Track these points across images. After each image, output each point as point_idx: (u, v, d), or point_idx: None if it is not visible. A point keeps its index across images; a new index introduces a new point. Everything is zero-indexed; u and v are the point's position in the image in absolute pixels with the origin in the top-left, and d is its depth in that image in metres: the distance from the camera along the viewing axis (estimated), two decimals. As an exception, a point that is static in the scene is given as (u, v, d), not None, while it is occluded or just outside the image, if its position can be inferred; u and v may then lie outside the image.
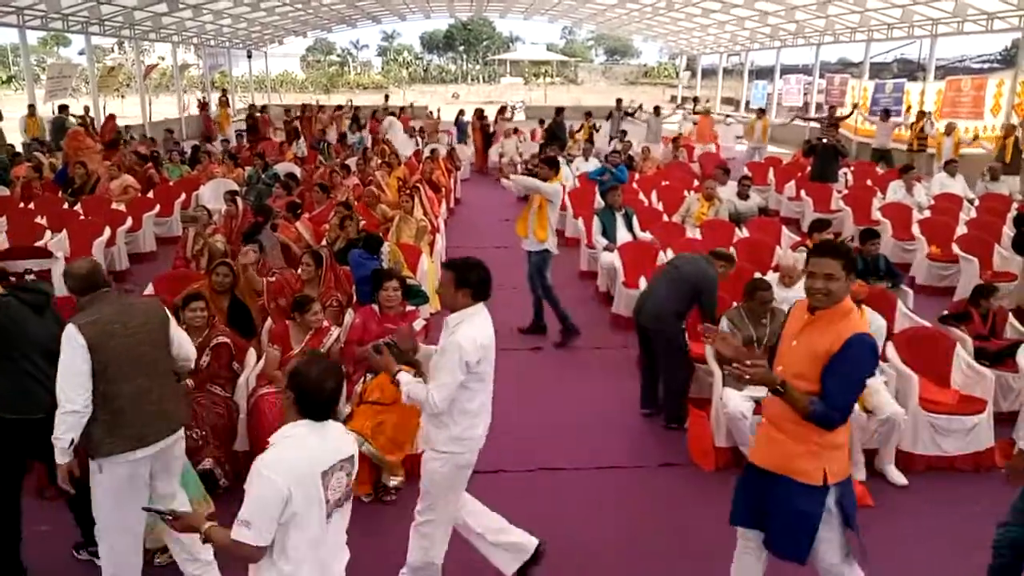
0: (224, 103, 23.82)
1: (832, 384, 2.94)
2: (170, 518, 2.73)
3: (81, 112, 18.24)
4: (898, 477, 4.84)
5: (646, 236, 8.49)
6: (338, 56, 67.26)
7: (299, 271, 5.98)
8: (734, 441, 5.01)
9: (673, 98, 38.35)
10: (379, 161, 12.54)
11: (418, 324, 5.20)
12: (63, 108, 18.27)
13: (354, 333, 5.00)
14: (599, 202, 9.97)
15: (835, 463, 3.03)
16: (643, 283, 6.94)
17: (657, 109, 19.84)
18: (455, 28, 67.36)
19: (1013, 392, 5.52)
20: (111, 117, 19.20)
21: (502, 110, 20.39)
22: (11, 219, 9.08)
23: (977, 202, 10.85)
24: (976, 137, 14.88)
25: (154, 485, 3.47)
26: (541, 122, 19.27)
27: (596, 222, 8.56)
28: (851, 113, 17.83)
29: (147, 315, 3.45)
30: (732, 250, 7.04)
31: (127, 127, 19.68)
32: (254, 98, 33.68)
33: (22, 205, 9.97)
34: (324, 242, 7.66)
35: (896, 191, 10.88)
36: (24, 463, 3.84)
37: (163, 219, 10.74)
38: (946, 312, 6.49)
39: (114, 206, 10.06)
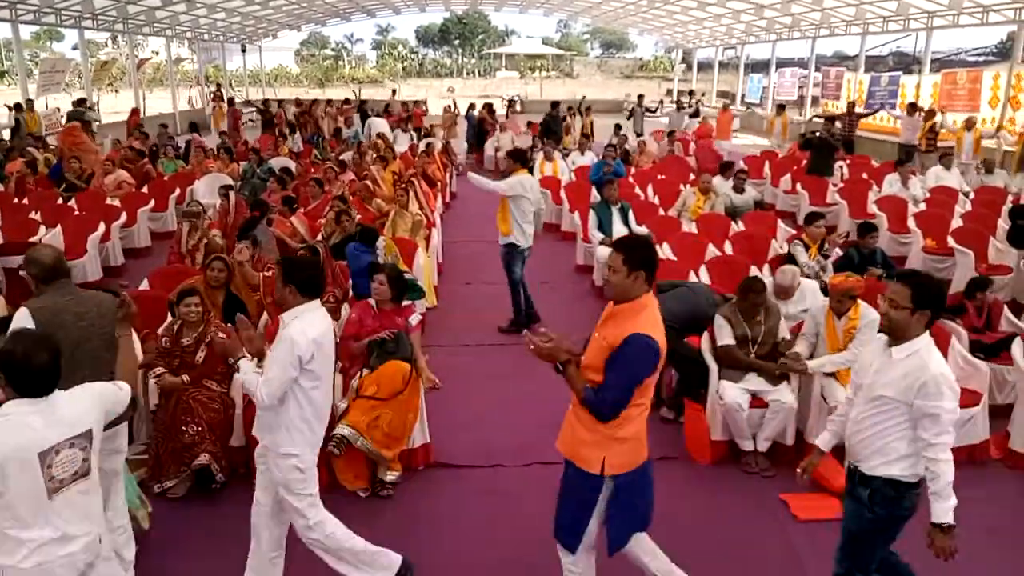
0: (218, 98, 23.74)
1: (608, 378, 2.99)
2: None
3: (69, 108, 18.19)
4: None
5: (642, 230, 8.47)
6: (332, 50, 67.07)
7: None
8: (730, 434, 5.02)
9: (669, 92, 38.30)
10: (374, 155, 12.50)
11: (414, 319, 5.19)
12: (80, 101, 18.54)
13: (350, 328, 4.99)
14: (595, 196, 9.96)
15: (617, 456, 3.05)
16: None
17: (679, 104, 19.75)
18: (450, 22, 67.19)
19: (1008, 385, 5.54)
20: (135, 111, 19.73)
21: (511, 104, 20.36)
22: (5, 215, 9.04)
23: (972, 195, 10.87)
24: (1000, 128, 14.34)
25: None
26: (529, 124, 19.12)
27: (592, 216, 8.55)
28: (876, 111, 17.35)
29: (100, 309, 3.45)
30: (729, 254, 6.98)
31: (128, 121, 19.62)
32: (248, 93, 33.60)
33: (16, 200, 9.93)
34: (320, 237, 7.65)
35: (892, 184, 10.89)
36: None
37: (158, 214, 10.70)
38: (942, 305, 6.49)
39: (109, 201, 10.02)
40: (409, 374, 4.64)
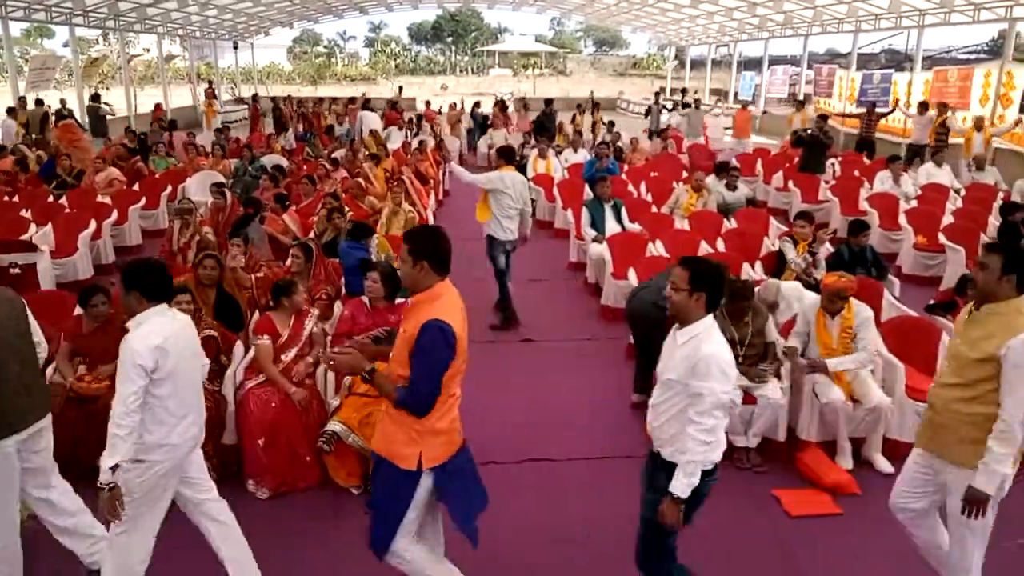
0: (211, 95, 23.64)
1: (413, 371, 2.97)
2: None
3: (58, 105, 18.12)
4: (884, 465, 4.88)
5: (635, 227, 8.50)
6: (325, 47, 66.88)
7: (287, 263, 5.95)
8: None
9: (662, 89, 38.33)
10: (366, 153, 12.49)
11: (407, 316, 5.18)
12: (96, 97, 18.82)
13: (343, 325, 4.98)
14: (588, 193, 9.97)
15: (433, 449, 3.05)
16: (632, 275, 6.96)
17: (697, 102, 19.65)
18: (443, 19, 67.09)
19: (998, 380, 5.56)
20: (159, 107, 20.30)
21: (502, 103, 20.41)
22: (-5, 213, 8.99)
23: (963, 192, 10.92)
24: (1020, 122, 13.92)
25: (24, 479, 3.49)
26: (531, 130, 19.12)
27: (585, 213, 8.56)
28: (893, 110, 16.69)
29: (11, 303, 3.48)
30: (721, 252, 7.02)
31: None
32: (240, 90, 33.47)
33: (6, 198, 9.87)
34: (312, 234, 7.64)
35: (883, 181, 10.92)
36: None
37: (149, 212, 10.66)
38: (932, 301, 6.54)
39: (100, 199, 9.98)
40: (402, 371, 4.63)
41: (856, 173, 12.52)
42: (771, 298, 5.71)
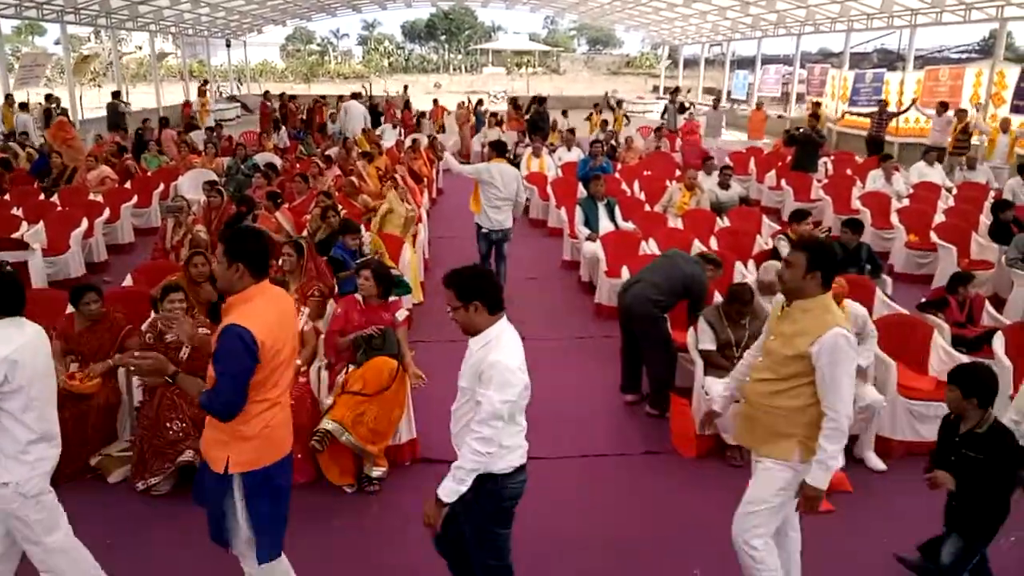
0: (204, 93, 23.56)
1: (215, 375, 2.91)
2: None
3: (48, 101, 18.06)
4: (877, 463, 4.90)
5: (628, 226, 8.51)
6: (318, 45, 66.67)
7: (279, 261, 5.94)
8: (715, 429, 5.04)
9: (655, 88, 38.40)
10: (359, 151, 12.47)
11: (401, 315, 5.18)
12: (116, 94, 18.93)
13: (336, 323, 4.98)
14: (581, 192, 9.98)
15: (242, 454, 2.98)
16: (625, 272, 6.97)
17: (716, 101, 19.53)
18: (436, 17, 66.92)
19: (989, 378, 5.59)
20: (187, 104, 20.64)
21: (535, 100, 20.39)
22: (-14, 211, 8.95)
23: (955, 191, 10.97)
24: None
25: None
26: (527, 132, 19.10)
27: (578, 212, 8.57)
28: (908, 109, 16.22)
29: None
30: (715, 250, 7.09)
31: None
32: (232, 88, 33.36)
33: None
34: (305, 232, 7.62)
35: (875, 180, 10.96)
36: None
37: (141, 210, 10.62)
38: (924, 299, 6.56)
39: (91, 197, 9.94)
40: (395, 370, 4.63)
41: (848, 172, 12.57)
42: (771, 279, 5.73)
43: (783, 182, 11.99)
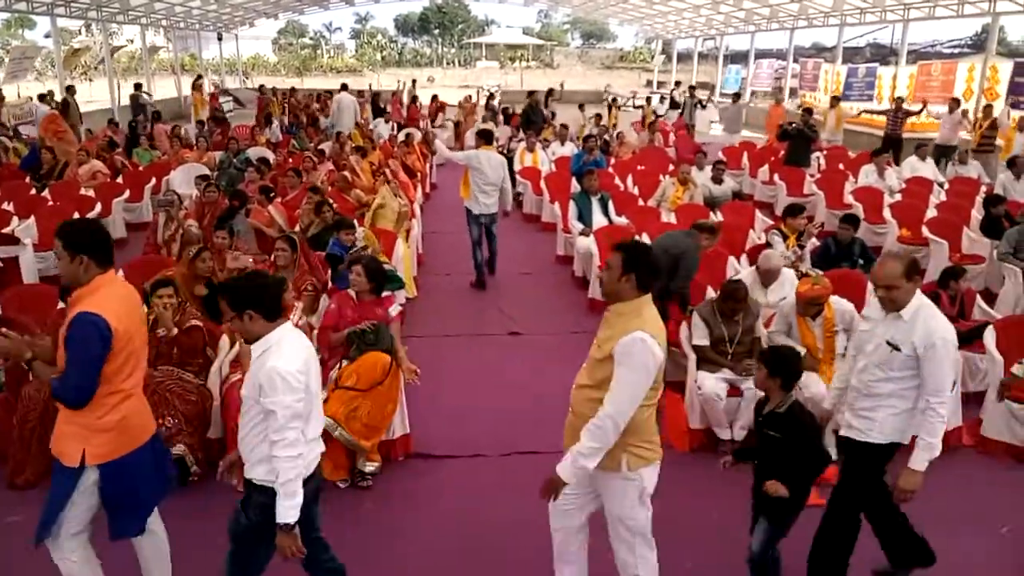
0: (198, 87, 23.40)
1: (66, 362, 2.90)
2: None
3: (42, 94, 17.99)
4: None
5: (622, 220, 8.52)
6: (311, 39, 66.45)
7: (273, 256, 5.93)
8: (708, 422, 5.06)
9: (649, 83, 38.36)
10: (352, 145, 12.43)
11: (394, 310, 5.17)
12: (138, 86, 19.77)
13: (329, 319, 4.97)
14: (575, 186, 9.98)
15: (100, 446, 2.98)
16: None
17: (737, 96, 19.30)
18: (430, 11, 66.82)
19: (980, 372, 5.63)
20: (215, 96, 20.90)
21: (551, 92, 20.29)
22: (-25, 206, 8.89)
23: (947, 185, 11.00)
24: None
25: None
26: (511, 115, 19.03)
27: (572, 206, 8.57)
28: (922, 111, 15.27)
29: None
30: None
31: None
32: (224, 82, 33.18)
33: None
34: (298, 227, 7.60)
35: (868, 175, 11.00)
36: None
37: (133, 204, 10.56)
38: (916, 294, 6.57)
39: (83, 192, 9.88)
40: (389, 365, 4.63)
41: (841, 167, 12.60)
42: (771, 265, 5.76)
43: (776, 177, 12.01)
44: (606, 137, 14.76)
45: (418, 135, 14.67)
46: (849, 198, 10.36)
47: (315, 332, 5.11)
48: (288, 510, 2.80)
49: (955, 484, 4.60)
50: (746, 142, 16.01)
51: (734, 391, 4.97)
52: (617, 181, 11.04)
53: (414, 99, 20.79)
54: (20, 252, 7.49)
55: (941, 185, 11.04)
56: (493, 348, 6.82)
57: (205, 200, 8.16)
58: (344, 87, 18.43)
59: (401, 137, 14.34)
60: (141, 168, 11.94)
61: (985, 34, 20.31)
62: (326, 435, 4.40)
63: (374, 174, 10.29)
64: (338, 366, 4.78)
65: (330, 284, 6.22)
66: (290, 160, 11.85)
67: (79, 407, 2.91)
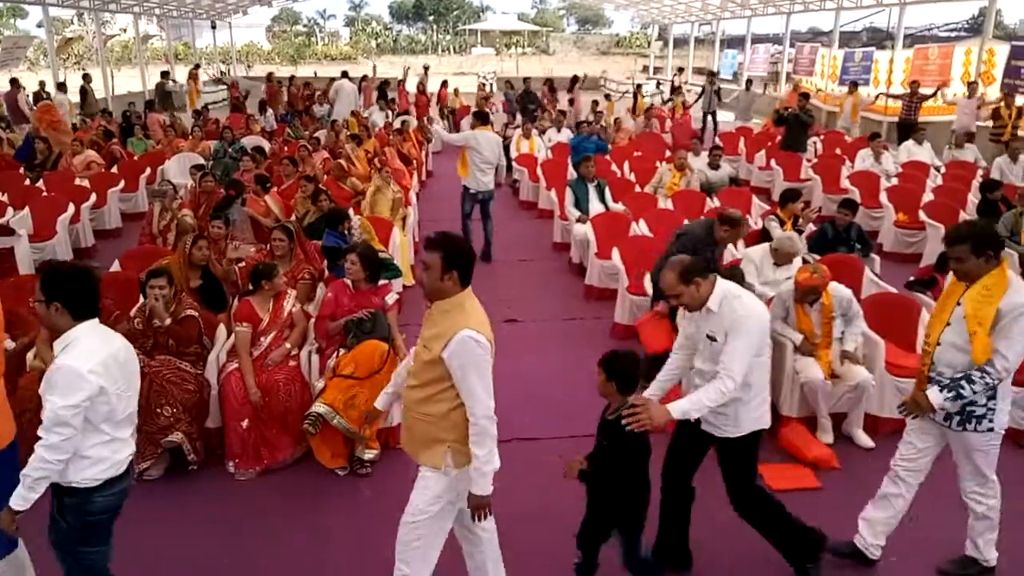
0: (194, 76, 23.27)
1: None
2: None
3: (36, 87, 17.87)
4: (865, 440, 4.95)
5: (618, 207, 8.50)
6: (304, 26, 66.05)
7: (269, 246, 5.92)
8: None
9: (645, 68, 38.23)
10: (348, 133, 12.38)
11: (391, 298, 5.17)
12: (165, 74, 20.20)
13: (326, 308, 4.97)
14: (572, 173, 9.96)
15: None
16: (615, 255, 6.97)
17: (749, 83, 19.09)
18: (424, -3, 66.39)
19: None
20: (235, 84, 21.14)
21: (575, 80, 20.15)
22: (-30, 197, 8.85)
23: (944, 169, 10.99)
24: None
25: None
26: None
27: (569, 193, 8.55)
28: (935, 94, 14.48)
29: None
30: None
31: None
32: (218, 70, 32.99)
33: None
34: (294, 216, 7.58)
35: (864, 159, 10.98)
36: None
37: (128, 194, 10.53)
38: (912, 278, 6.60)
39: (78, 182, 9.84)
40: (386, 353, 4.63)
41: (838, 151, 12.58)
42: (794, 249, 5.77)
43: (773, 162, 11.99)
44: (603, 123, 14.70)
45: (414, 122, 14.63)
46: (846, 183, 10.35)
47: (313, 321, 5.12)
48: (20, 498, 2.73)
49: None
50: (743, 128, 15.96)
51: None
52: (614, 167, 11.02)
53: (420, 87, 20.58)
54: (15, 243, 7.46)
55: (938, 169, 11.02)
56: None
57: (201, 190, 8.13)
58: (344, 74, 18.34)
59: (397, 125, 14.28)
60: (136, 158, 11.89)
61: (982, 17, 20.23)
62: (324, 422, 4.42)
63: (370, 162, 10.27)
64: (336, 355, 4.79)
65: (327, 273, 6.22)
66: (285, 149, 11.80)
67: None
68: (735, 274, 5.14)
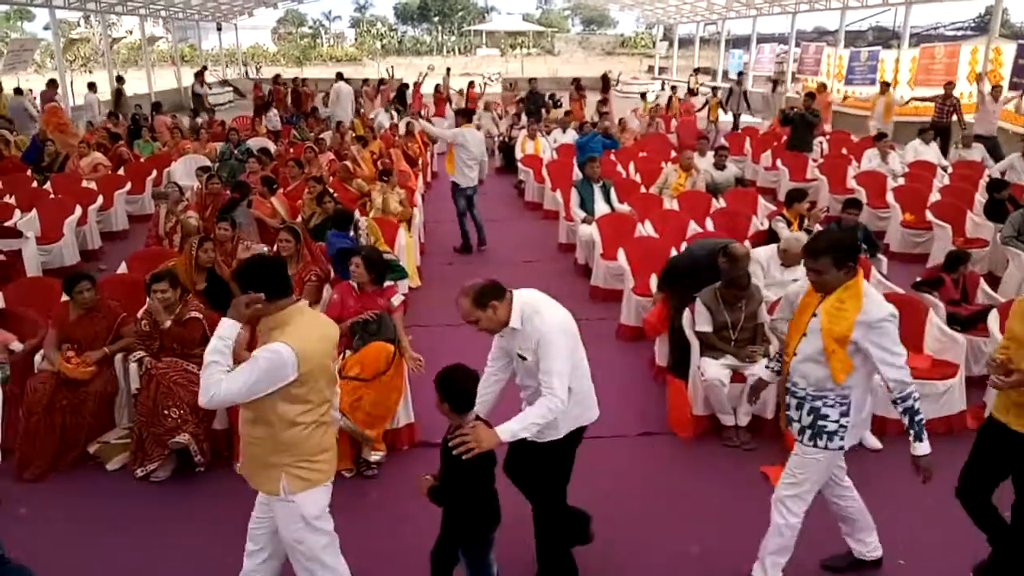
0: (203, 78, 23.31)
1: None
2: None
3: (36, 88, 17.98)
4: (872, 441, 4.92)
5: (624, 208, 8.49)
6: (310, 28, 66.18)
7: (276, 247, 5.93)
8: (712, 409, 5.07)
9: (650, 68, 38.19)
10: (353, 135, 12.40)
11: (397, 299, 5.17)
12: (199, 75, 20.55)
13: (332, 310, 4.97)
14: (577, 174, 9.96)
15: None
16: (621, 255, 6.96)
17: (775, 83, 18.88)
18: (429, -2, 66.41)
19: (984, 356, 5.60)
20: (257, 86, 21.12)
21: (606, 80, 20.08)
22: (-22, 199, 8.89)
23: (950, 169, 10.95)
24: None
25: None
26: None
27: (574, 194, 8.54)
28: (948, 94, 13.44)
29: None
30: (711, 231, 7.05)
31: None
32: (224, 72, 33.10)
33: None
34: (300, 218, 7.59)
35: (871, 159, 10.95)
36: None
37: (135, 197, 10.56)
38: (919, 278, 6.57)
39: (85, 184, 9.88)
40: (392, 355, 4.63)
41: (844, 151, 12.54)
42: (796, 248, 5.76)
43: (779, 162, 11.96)
44: (607, 123, 14.68)
45: (419, 124, 14.61)
46: (852, 183, 10.32)
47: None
48: None
49: (959, 468, 4.60)
50: (749, 127, 15.91)
51: (738, 377, 4.97)
52: (619, 168, 11.01)
53: (436, 88, 20.48)
54: (23, 245, 7.50)
55: (945, 169, 10.98)
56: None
57: (208, 192, 8.16)
58: (340, 76, 18.34)
59: (402, 127, 14.29)
60: (142, 160, 11.93)
61: (988, 16, 20.14)
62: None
63: (375, 163, 10.28)
64: (342, 356, 4.79)
65: (332, 274, 6.22)
66: (291, 150, 11.82)
67: None
68: (741, 275, 5.14)
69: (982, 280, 6.44)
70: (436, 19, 68.61)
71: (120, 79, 19.24)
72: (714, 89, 19.27)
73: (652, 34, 48.89)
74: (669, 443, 5.06)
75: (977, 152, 11.55)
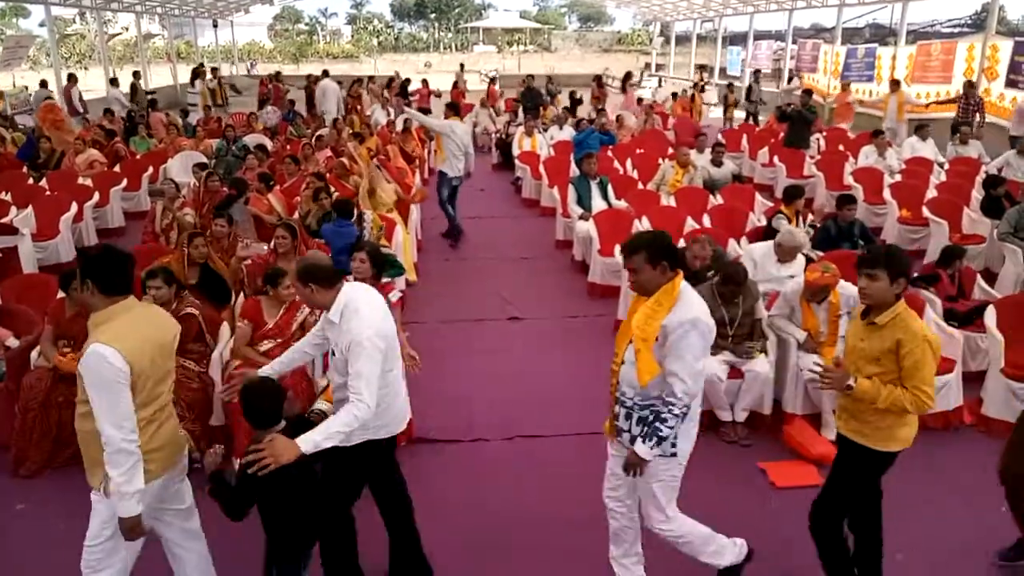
0: (200, 75, 23.24)
1: None
2: None
3: (39, 85, 17.92)
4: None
5: (621, 204, 8.50)
6: (306, 25, 66.06)
7: (272, 244, 5.92)
8: (709, 404, 5.07)
9: (647, 65, 38.15)
10: (350, 132, 12.37)
11: (394, 296, 5.16)
12: (215, 70, 21.38)
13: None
14: (574, 171, 9.95)
15: None
16: (618, 251, 6.95)
17: (790, 79, 18.76)
18: (426, -5, 66.31)
19: (981, 352, 5.63)
20: (263, 81, 21.35)
21: (628, 76, 19.93)
22: (-27, 196, 8.86)
23: (947, 165, 10.96)
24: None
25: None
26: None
27: (571, 191, 8.55)
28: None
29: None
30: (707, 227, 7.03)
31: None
32: (222, 69, 33.00)
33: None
34: (296, 215, 7.58)
35: (868, 156, 10.96)
36: None
37: (131, 193, 10.53)
38: (916, 274, 6.57)
39: (80, 181, 9.85)
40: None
41: (841, 148, 12.55)
42: (797, 243, 5.78)
43: (776, 159, 11.97)
44: (603, 120, 14.67)
45: (407, 113, 14.56)
46: (849, 179, 10.33)
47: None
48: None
49: (956, 463, 4.62)
50: (745, 124, 15.90)
51: (735, 373, 4.97)
52: (616, 164, 11.01)
53: (454, 84, 20.26)
54: (19, 242, 7.48)
55: (941, 165, 10.99)
56: (493, 333, 6.82)
57: (206, 189, 8.14)
58: (325, 73, 18.34)
59: (399, 123, 14.25)
60: (138, 156, 11.90)
61: (985, 13, 20.16)
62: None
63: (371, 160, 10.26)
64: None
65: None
66: (288, 147, 11.80)
67: None
68: (737, 271, 5.14)
69: (979, 276, 6.45)
70: (433, 16, 68.52)
71: (136, 74, 19.67)
72: (730, 86, 19.20)
73: (649, 31, 48.87)
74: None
75: (974, 149, 11.56)
